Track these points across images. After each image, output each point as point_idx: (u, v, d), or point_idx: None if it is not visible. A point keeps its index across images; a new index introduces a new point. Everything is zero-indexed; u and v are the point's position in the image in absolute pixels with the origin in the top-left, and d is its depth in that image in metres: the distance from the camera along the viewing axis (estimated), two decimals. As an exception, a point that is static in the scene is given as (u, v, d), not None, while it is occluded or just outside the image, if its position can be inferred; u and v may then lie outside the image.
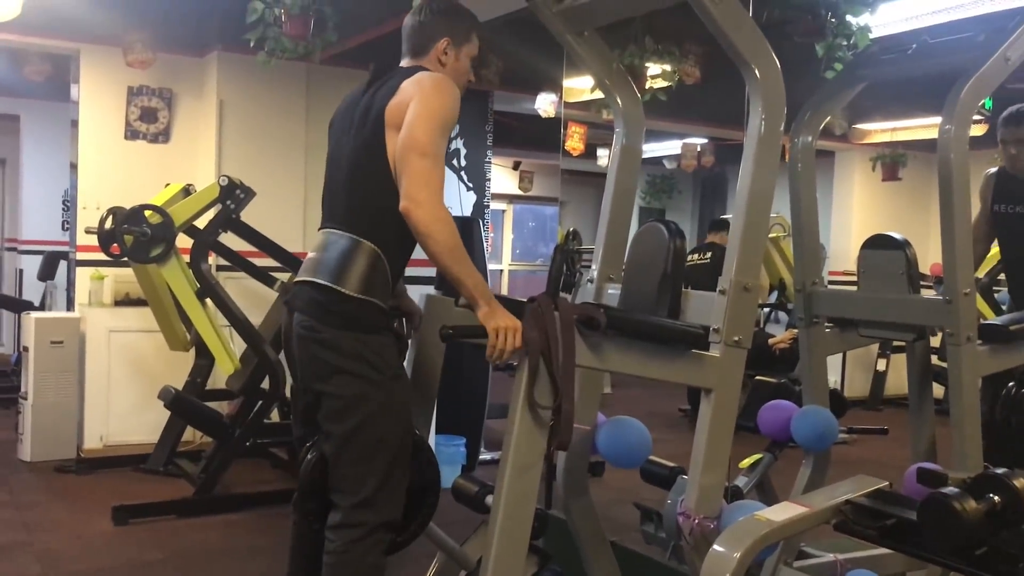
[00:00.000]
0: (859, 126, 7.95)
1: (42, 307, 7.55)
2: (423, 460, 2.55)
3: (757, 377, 4.38)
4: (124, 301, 5.53)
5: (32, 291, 8.04)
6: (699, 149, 8.65)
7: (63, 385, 5.29)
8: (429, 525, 3.06)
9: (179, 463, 5.07)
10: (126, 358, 5.49)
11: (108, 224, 4.58)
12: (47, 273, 7.55)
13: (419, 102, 2.27)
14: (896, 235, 3.08)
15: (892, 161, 7.70)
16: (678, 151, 8.64)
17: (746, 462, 3.90)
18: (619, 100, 2.85)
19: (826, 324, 3.21)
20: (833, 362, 7.55)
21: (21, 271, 8.54)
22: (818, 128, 3.20)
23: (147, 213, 4.46)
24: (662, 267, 2.49)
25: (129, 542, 4.01)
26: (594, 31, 2.77)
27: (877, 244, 3.11)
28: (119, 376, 5.47)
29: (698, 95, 5.62)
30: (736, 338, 2.34)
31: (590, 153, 8.39)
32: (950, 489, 1.94)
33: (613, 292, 2.81)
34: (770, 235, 6.92)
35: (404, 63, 2.49)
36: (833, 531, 2.25)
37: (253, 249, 5.02)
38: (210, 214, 4.68)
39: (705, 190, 12.37)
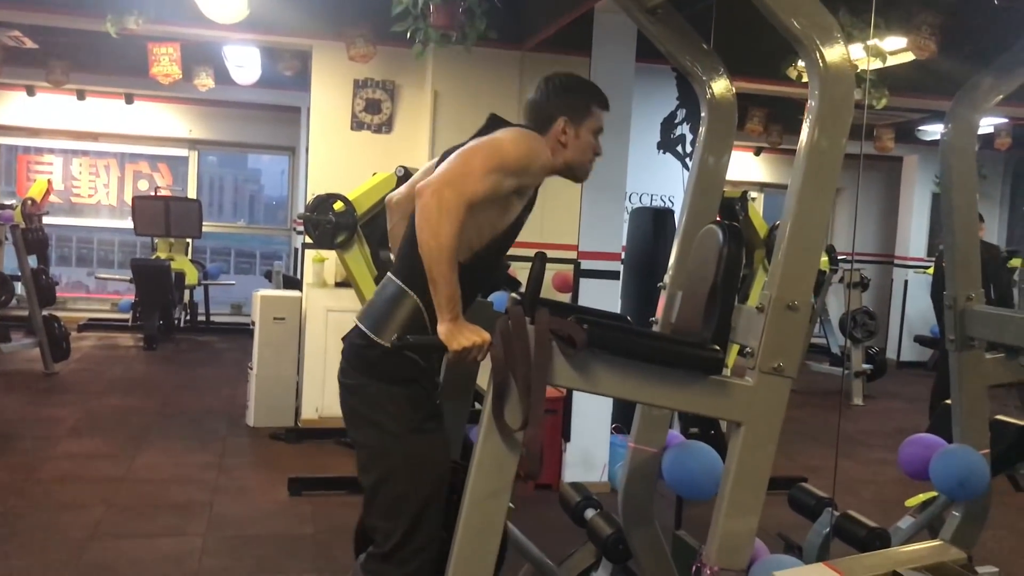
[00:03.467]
0: None
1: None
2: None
3: (997, 417, 3.62)
4: (343, 283, 5.86)
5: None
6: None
7: (284, 358, 5.74)
8: (516, 533, 2.95)
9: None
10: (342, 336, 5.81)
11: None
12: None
13: (490, 139, 2.16)
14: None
15: None
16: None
17: (914, 501, 3.37)
18: (708, 85, 2.53)
19: (987, 350, 2.67)
20: None
21: (296, 250, 9.36)
22: (983, 110, 2.65)
23: (335, 204, 4.68)
24: (712, 277, 2.17)
25: (291, 513, 4.26)
26: (669, 7, 2.46)
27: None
28: (335, 352, 5.74)
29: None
30: (775, 364, 1.99)
31: (854, 133, 7.63)
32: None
33: (689, 301, 2.51)
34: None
35: None
36: None
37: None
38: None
39: (1017, 175, 11.08)
